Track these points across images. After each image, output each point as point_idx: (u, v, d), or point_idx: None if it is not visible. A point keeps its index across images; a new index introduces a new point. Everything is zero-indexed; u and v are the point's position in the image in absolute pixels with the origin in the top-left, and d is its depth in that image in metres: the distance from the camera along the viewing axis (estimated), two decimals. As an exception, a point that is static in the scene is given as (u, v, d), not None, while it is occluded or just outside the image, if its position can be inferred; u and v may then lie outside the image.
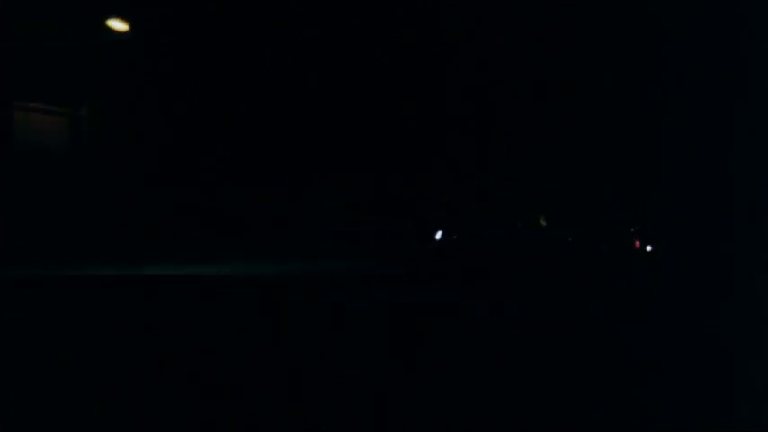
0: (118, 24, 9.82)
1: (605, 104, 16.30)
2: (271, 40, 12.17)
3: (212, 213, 12.56)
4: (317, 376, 2.70)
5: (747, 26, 14.20)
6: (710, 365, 3.05)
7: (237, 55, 12.11)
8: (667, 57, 15.31)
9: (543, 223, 10.06)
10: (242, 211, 12.60)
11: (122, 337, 3.63)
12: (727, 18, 14.49)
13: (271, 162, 12.43)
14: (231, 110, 12.43)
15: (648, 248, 10.60)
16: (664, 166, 15.64)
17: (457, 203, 15.01)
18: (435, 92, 15.24)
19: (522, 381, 2.68)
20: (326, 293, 6.19)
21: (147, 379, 2.61)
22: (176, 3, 11.84)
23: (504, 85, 15.71)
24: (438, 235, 10.26)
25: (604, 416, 2.17)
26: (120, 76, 11.29)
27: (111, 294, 5.98)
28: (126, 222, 11.52)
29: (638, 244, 10.53)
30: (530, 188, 15.79)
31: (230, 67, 12.36)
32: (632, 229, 10.66)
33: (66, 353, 3.12)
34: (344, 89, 13.78)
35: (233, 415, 2.10)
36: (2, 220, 9.81)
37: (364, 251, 13.48)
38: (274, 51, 12.53)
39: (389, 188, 14.38)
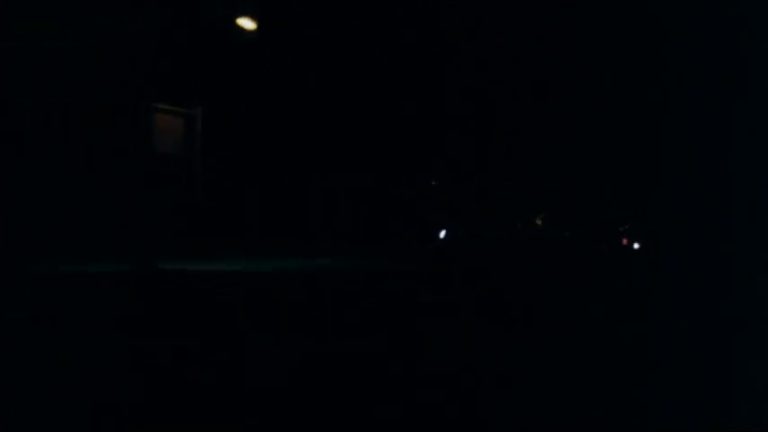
0: (247, 23, 9.85)
1: (605, 104, 16.30)
2: (271, 39, 12.21)
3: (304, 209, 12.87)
4: (317, 376, 2.70)
5: (747, 26, 14.20)
6: (710, 365, 3.05)
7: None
8: (667, 57, 15.31)
9: (539, 223, 10.16)
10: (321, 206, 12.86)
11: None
12: (727, 18, 14.49)
13: (273, 161, 12.50)
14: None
15: (636, 246, 10.80)
16: (664, 165, 15.64)
17: (457, 203, 15.01)
18: (435, 92, 15.25)
19: (521, 380, 2.68)
20: (327, 292, 6.19)
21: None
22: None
23: (504, 85, 15.72)
24: (441, 234, 10.30)
25: (604, 416, 2.17)
26: (234, 76, 11.41)
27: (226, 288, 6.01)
28: (237, 219, 11.70)
29: (625, 241, 10.74)
30: (530, 188, 15.79)
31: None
32: (621, 229, 10.88)
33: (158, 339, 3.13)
34: (345, 89, 13.80)
35: (233, 414, 2.11)
36: (130, 218, 9.93)
37: (364, 251, 13.50)
38: (274, 51, 12.56)
39: (389, 188, 14.41)
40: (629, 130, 16.23)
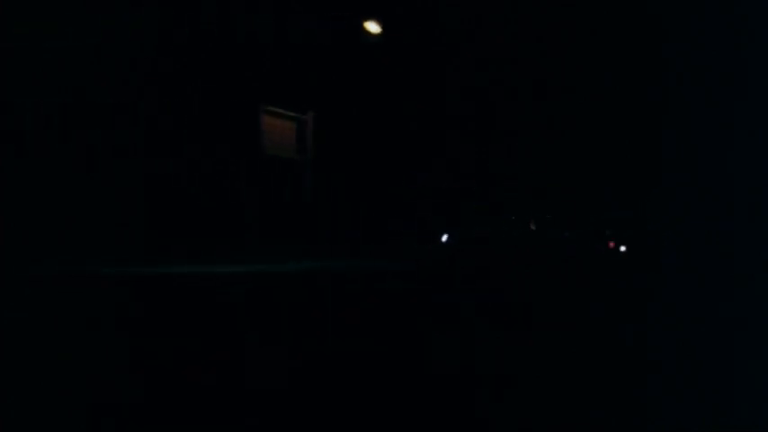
0: (373, 27, 9.80)
1: (605, 104, 16.30)
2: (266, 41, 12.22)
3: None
4: (316, 377, 2.70)
5: (747, 26, 14.20)
6: (710, 365, 3.05)
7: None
8: (667, 57, 15.31)
9: (533, 228, 10.25)
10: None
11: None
12: (728, 18, 14.49)
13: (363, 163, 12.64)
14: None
15: (622, 249, 10.90)
16: (662, 166, 15.65)
17: (457, 204, 15.02)
18: (435, 92, 15.24)
19: (521, 380, 2.68)
20: (327, 294, 6.19)
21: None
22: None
23: (505, 85, 15.72)
24: (444, 238, 10.37)
25: (604, 416, 2.17)
26: (348, 82, 11.52)
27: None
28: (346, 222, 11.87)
29: (612, 244, 10.85)
30: (530, 188, 15.80)
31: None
32: (607, 232, 10.99)
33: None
34: (345, 89, 13.79)
35: (233, 414, 2.11)
36: (245, 221, 10.03)
37: (364, 251, 13.50)
38: (271, 53, 12.53)
39: (389, 188, 14.42)
40: (628, 130, 16.24)
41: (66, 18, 8.19)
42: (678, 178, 15.28)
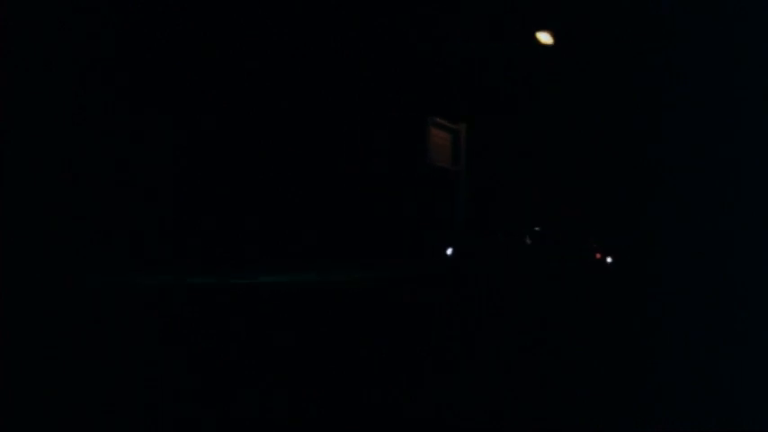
0: (546, 37, 9.83)
1: (604, 105, 16.31)
2: (260, 35, 12.23)
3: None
4: (315, 382, 2.70)
5: (747, 26, 14.22)
6: (710, 365, 3.05)
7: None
8: (669, 57, 15.33)
9: (528, 242, 10.28)
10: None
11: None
12: (727, 18, 14.51)
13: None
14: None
15: (609, 260, 10.90)
16: (646, 175, 15.65)
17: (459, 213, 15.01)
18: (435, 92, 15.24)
19: (521, 381, 2.69)
20: (328, 301, 6.19)
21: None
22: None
23: (504, 85, 15.72)
24: (448, 251, 10.44)
25: (605, 416, 2.17)
26: (500, 92, 11.63)
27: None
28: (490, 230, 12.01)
29: (598, 255, 10.85)
30: (526, 199, 15.80)
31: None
32: (594, 244, 10.99)
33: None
34: (345, 91, 13.81)
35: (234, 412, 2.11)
36: (407, 230, 10.07)
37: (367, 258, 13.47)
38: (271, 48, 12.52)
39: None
40: (627, 131, 16.24)
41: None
42: (663, 188, 15.24)
